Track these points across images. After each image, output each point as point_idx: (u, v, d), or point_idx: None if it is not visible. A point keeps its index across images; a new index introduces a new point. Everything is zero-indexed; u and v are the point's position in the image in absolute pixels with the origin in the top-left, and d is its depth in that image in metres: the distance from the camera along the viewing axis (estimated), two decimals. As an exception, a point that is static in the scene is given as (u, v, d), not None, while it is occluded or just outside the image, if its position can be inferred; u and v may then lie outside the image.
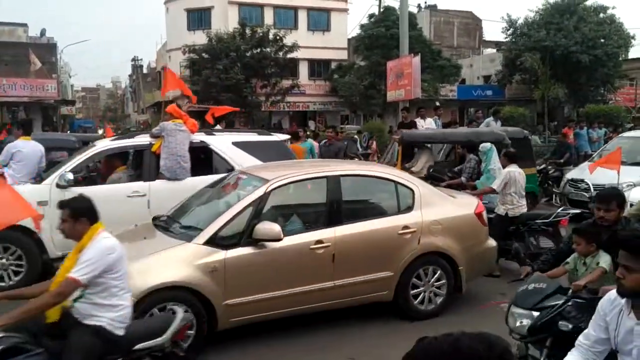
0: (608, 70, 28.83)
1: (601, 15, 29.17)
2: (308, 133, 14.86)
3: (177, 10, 33.94)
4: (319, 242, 4.95)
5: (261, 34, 27.57)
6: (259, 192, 4.93)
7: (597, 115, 21.68)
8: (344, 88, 31.91)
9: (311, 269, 4.95)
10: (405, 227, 5.31)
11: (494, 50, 39.54)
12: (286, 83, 29.38)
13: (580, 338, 2.64)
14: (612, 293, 2.51)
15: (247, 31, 27.65)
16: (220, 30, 28.26)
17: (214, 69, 26.39)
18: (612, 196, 3.88)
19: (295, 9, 34.80)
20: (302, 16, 35.18)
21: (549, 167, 12.56)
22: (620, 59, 30.34)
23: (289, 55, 28.67)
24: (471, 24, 44.49)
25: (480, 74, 39.15)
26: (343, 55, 36.30)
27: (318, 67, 36.11)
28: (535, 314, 3.62)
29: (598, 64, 27.88)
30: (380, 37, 29.61)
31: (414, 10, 36.91)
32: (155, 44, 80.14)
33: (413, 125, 12.72)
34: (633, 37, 29.90)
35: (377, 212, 5.61)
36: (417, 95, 14.76)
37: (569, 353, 2.68)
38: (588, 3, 29.33)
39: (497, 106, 17.48)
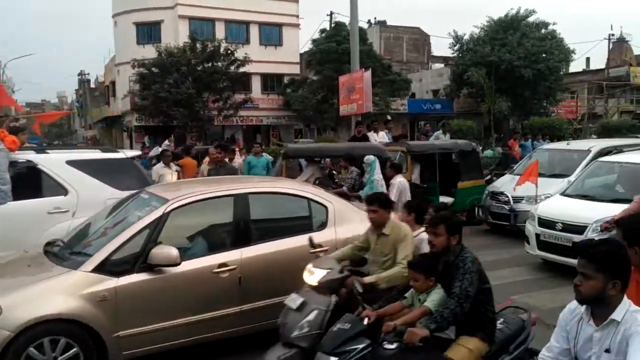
0: (550, 83, 30.12)
1: (543, 31, 30.51)
2: (263, 147, 14.77)
3: (125, 24, 33.30)
4: (223, 265, 4.65)
5: (212, 48, 27.35)
6: (157, 213, 4.58)
7: (540, 127, 22.53)
8: (297, 102, 32.03)
9: (215, 294, 4.61)
10: (318, 245, 4.96)
11: (442, 65, 40.73)
12: (239, 97, 29.20)
13: (544, 351, 2.65)
14: (573, 302, 2.53)
15: (198, 45, 27.38)
16: (171, 44, 27.89)
17: (164, 83, 25.96)
18: (440, 219, 3.60)
19: (246, 23, 34.77)
20: (254, 31, 35.18)
21: (494, 178, 12.96)
22: (561, 72, 31.78)
23: (241, 70, 28.54)
24: (420, 39, 45.61)
25: (430, 88, 40.15)
26: (295, 69, 36.47)
27: (271, 82, 36.12)
28: (333, 359, 3.27)
29: (540, 78, 29.08)
30: (332, 52, 29.95)
31: (364, 25, 37.58)
32: (103, 58, 78.41)
33: (365, 138, 12.87)
34: (573, 52, 31.44)
35: (289, 230, 5.24)
36: (369, 109, 14.95)
37: None
38: (530, 19, 30.64)
39: (446, 119, 17.96)
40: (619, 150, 10.07)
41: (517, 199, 10.04)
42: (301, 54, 36.83)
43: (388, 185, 8.64)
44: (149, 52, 28.93)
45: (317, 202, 5.36)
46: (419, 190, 10.90)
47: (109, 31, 36.04)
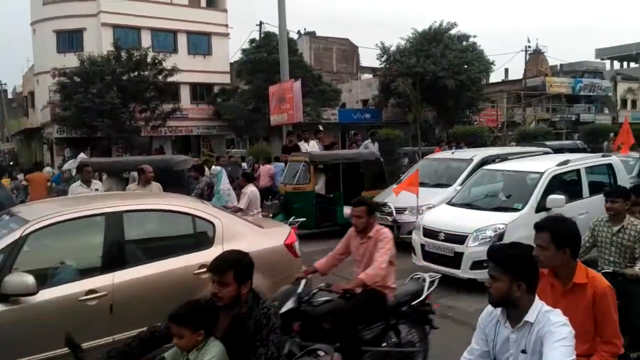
0: (472, 94, 31.49)
1: (464, 43, 31.88)
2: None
3: (45, 32, 31.78)
4: (92, 291, 4.23)
5: (138, 57, 26.59)
6: (14, 235, 4.11)
7: (464, 136, 23.46)
8: (228, 112, 31.70)
9: (81, 325, 4.09)
10: (202, 265, 4.60)
11: (371, 76, 41.64)
12: (167, 107, 28.52)
13: (465, 354, 2.69)
14: (490, 306, 2.61)
15: (123, 54, 26.54)
16: (94, 52, 26.88)
17: (87, 93, 24.94)
18: (228, 265, 2.83)
19: (174, 32, 34.11)
20: (182, 40, 34.58)
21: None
22: (482, 83, 33.34)
23: (169, 79, 27.92)
24: (348, 50, 46.46)
25: (359, 98, 40.94)
26: (226, 79, 36.13)
27: (200, 91, 35.56)
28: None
29: (463, 88, 30.36)
30: (262, 61, 29.91)
31: (294, 36, 37.84)
32: (21, 67, 74.31)
33: (297, 148, 12.97)
34: (493, 63, 33.08)
35: (170, 251, 4.86)
36: (300, 119, 15.06)
37: None
38: (452, 32, 31.92)
39: (375, 129, 18.32)
40: (503, 158, 10.13)
41: (400, 210, 9.79)
42: (231, 64, 36.54)
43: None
44: (70, 60, 27.75)
45: (202, 218, 5.00)
46: (322, 201, 11.21)
47: (27, 39, 34.33)
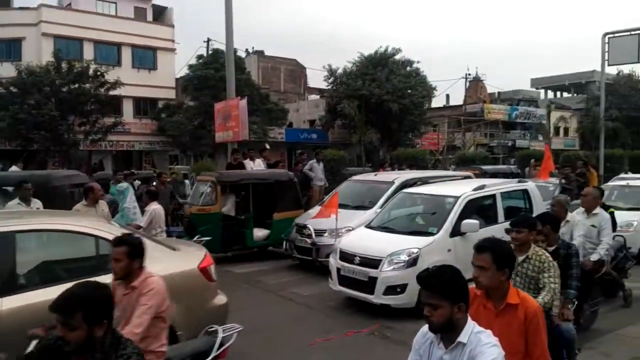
0: (415, 117, 32.42)
1: (408, 68, 32.86)
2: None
3: (-19, 39, 30.44)
4: None
5: (80, 69, 25.84)
6: None
7: (406, 158, 24.06)
8: (173, 128, 31.19)
9: None
10: None
11: (318, 97, 42.15)
12: (108, 121, 27.77)
13: None
14: (425, 326, 2.60)
15: (64, 65, 25.72)
16: (33, 62, 25.92)
17: (23, 104, 23.98)
18: (73, 306, 2.41)
19: (118, 45, 33.42)
20: (126, 53, 33.90)
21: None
22: (425, 107, 34.38)
23: (112, 92, 27.23)
24: (296, 71, 46.91)
25: (306, 118, 41.31)
26: (171, 94, 35.60)
27: (144, 106, 34.85)
28: None
29: (406, 112, 31.22)
30: (209, 78, 29.72)
31: (243, 54, 37.89)
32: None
33: (241, 166, 12.90)
34: (435, 89, 34.26)
35: (69, 274, 4.40)
36: (245, 137, 14.98)
37: None
38: (397, 57, 32.85)
39: (321, 149, 18.51)
40: (424, 181, 10.09)
41: (320, 232, 9.55)
42: (177, 79, 36.10)
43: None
44: (7, 70, 26.68)
45: (106, 239, 4.54)
46: (230, 223, 10.64)
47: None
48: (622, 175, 17.62)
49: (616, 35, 26.02)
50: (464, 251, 6.69)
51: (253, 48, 45.96)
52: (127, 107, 33.46)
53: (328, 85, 33.88)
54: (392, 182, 10.27)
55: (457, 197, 7.77)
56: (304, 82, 47.63)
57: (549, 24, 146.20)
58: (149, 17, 36.19)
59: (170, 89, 35.64)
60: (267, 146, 18.88)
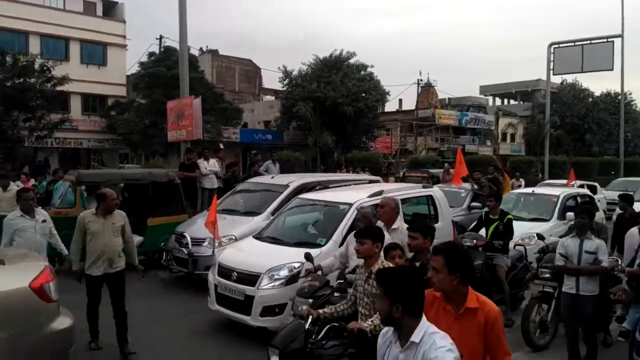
0: (369, 121, 32.82)
1: (362, 72, 33.20)
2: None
3: None
4: None
5: (25, 63, 24.83)
6: None
7: (360, 160, 24.35)
8: (123, 125, 30.40)
9: None
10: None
11: (273, 98, 42.04)
12: (55, 117, 26.78)
13: None
14: (385, 328, 2.70)
15: (8, 59, 24.67)
16: (-27, 55, 24.72)
17: (-38, 98, 22.84)
18: None
19: (66, 39, 32.30)
20: (75, 48, 32.84)
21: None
22: (378, 111, 34.85)
23: (59, 88, 26.29)
24: (251, 71, 46.61)
25: (261, 119, 41.11)
26: (121, 91, 34.71)
27: (93, 102, 33.84)
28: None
29: (361, 115, 31.56)
30: (161, 76, 29.13)
31: (196, 53, 37.31)
32: None
33: (195, 166, 12.73)
34: (388, 93, 34.76)
35: None
36: (199, 136, 14.80)
37: None
38: (352, 61, 33.18)
39: (276, 150, 18.56)
40: (324, 185, 9.33)
41: (197, 242, 8.40)
42: (128, 76, 35.23)
43: None
44: (-56, 61, 25.31)
45: None
46: None
47: None
48: (547, 181, 18.01)
49: (561, 45, 27.19)
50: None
51: (207, 47, 45.41)
52: (75, 104, 32.42)
53: (283, 87, 33.84)
54: (287, 186, 9.17)
55: (350, 204, 6.97)
56: (259, 82, 47.38)
57: (497, 31, 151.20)
58: (99, 11, 35.16)
59: (120, 86, 34.75)
60: (222, 146, 18.73)
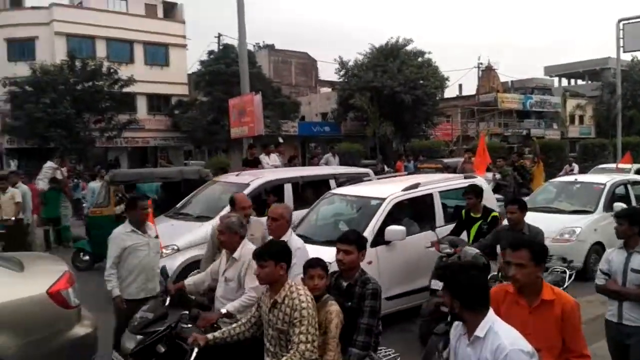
0: (428, 108, 32.24)
1: (419, 59, 32.64)
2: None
3: (-5, 40, 30.77)
4: None
5: (93, 67, 26.07)
6: None
7: (421, 149, 24.00)
8: (187, 123, 31.40)
9: None
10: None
11: (330, 90, 42.06)
12: (123, 118, 28.00)
13: None
14: (457, 322, 2.70)
15: (78, 63, 25.96)
16: (46, 61, 26.17)
17: (39, 102, 24.24)
18: None
19: (130, 42, 33.61)
20: (139, 50, 34.11)
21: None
22: (437, 98, 34.16)
23: (126, 90, 27.45)
24: (307, 64, 46.80)
25: (318, 111, 41.27)
26: (184, 90, 35.80)
27: (158, 102, 35.12)
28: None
29: (419, 103, 31.05)
30: (221, 73, 29.82)
31: (253, 49, 37.87)
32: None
33: (257, 162, 12.95)
34: (447, 79, 34.01)
35: None
36: (260, 132, 14.99)
37: None
38: (408, 48, 32.67)
39: (334, 142, 18.58)
40: (294, 182, 8.51)
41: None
42: (189, 75, 36.27)
43: None
44: (21, 69, 26.96)
45: None
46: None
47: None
48: (601, 166, 15.99)
49: (631, 21, 25.65)
50: (389, 262, 6.04)
51: (263, 42, 45.96)
52: (141, 104, 33.73)
53: (339, 78, 33.80)
54: (247, 185, 7.99)
55: (382, 199, 6.45)
56: (315, 75, 47.54)
57: (562, 11, 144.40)
58: (160, 13, 36.32)
59: (182, 85, 35.83)
60: (281, 140, 18.96)
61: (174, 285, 4.28)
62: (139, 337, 3.74)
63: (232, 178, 9.07)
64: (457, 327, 2.72)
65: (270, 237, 4.39)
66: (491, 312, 2.56)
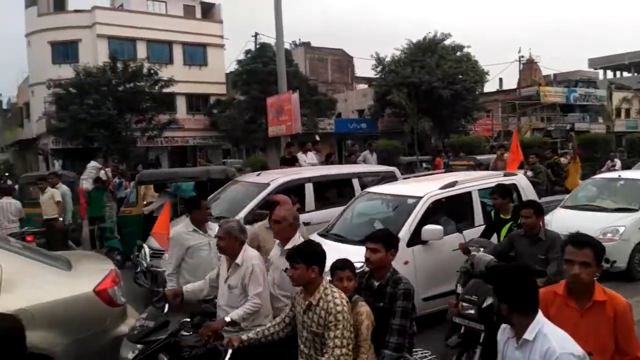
0: (467, 103, 31.60)
1: (458, 53, 32.02)
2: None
3: (40, 43, 31.78)
4: None
5: (134, 68, 26.64)
6: None
7: (460, 146, 23.50)
8: (225, 123, 31.75)
9: None
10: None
11: (366, 86, 41.78)
12: (163, 118, 28.52)
13: None
14: (504, 325, 2.71)
15: (119, 65, 26.59)
16: (89, 63, 26.89)
17: (82, 104, 24.92)
18: None
19: (169, 43, 34.20)
20: (178, 50, 34.68)
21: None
22: (477, 93, 33.46)
23: (165, 90, 27.95)
24: (343, 60, 46.66)
25: (355, 108, 41.05)
26: (222, 89, 36.21)
27: (196, 102, 35.65)
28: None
29: (458, 98, 30.45)
30: (258, 72, 30.00)
31: (289, 47, 37.93)
32: (16, 78, 74.08)
33: (295, 160, 12.93)
34: (487, 73, 33.24)
35: None
36: (298, 131, 15.02)
37: None
38: (447, 42, 32.10)
39: (372, 139, 18.39)
40: (314, 182, 8.25)
41: (157, 254, 7.09)
42: (227, 74, 36.66)
43: None
44: (65, 72, 27.77)
45: None
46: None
47: (22, 51, 34.31)
48: None
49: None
50: (426, 262, 5.97)
51: (300, 40, 46.01)
52: (181, 104, 34.29)
53: (376, 74, 33.50)
54: (267, 185, 7.85)
55: (419, 198, 6.34)
56: (351, 71, 47.35)
57: (604, 1, 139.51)
58: (198, 14, 36.82)
59: (220, 85, 36.25)
60: (318, 137, 18.89)
61: (171, 291, 4.15)
62: (139, 346, 3.67)
63: (252, 178, 9.05)
64: (504, 331, 2.71)
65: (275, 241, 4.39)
66: (540, 314, 2.54)
